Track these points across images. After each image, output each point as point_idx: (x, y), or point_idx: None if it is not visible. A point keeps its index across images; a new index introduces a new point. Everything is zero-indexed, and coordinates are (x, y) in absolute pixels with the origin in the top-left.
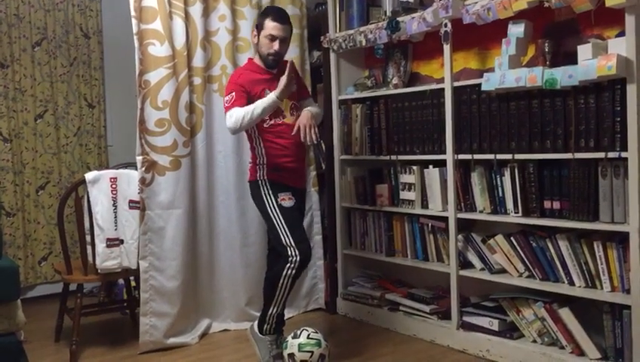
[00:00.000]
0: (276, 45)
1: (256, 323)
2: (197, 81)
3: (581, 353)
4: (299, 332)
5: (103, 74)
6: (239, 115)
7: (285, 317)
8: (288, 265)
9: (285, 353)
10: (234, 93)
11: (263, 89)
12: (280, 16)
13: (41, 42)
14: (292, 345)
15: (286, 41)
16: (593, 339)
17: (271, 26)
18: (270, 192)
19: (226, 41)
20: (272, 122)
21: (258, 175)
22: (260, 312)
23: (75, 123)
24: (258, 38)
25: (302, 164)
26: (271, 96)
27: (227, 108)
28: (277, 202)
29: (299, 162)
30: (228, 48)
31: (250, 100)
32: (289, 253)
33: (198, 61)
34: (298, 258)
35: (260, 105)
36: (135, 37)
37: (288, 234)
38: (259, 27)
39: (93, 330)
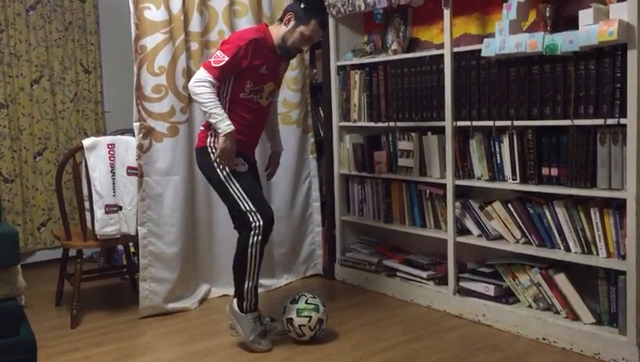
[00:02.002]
0: (307, 46)
1: (235, 302)
2: (194, 46)
3: (576, 318)
4: (297, 297)
5: (98, 38)
6: (205, 100)
7: (284, 283)
8: (252, 232)
9: (284, 318)
10: (226, 60)
11: (261, 65)
12: (326, 21)
13: (35, 6)
14: (290, 309)
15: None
16: (588, 304)
17: (316, 29)
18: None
19: (224, 5)
20: (249, 97)
21: (209, 141)
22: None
23: (71, 88)
24: (293, 27)
25: (257, 141)
26: (225, 128)
27: (208, 67)
28: (229, 169)
29: (255, 140)
30: (225, 13)
31: (242, 72)
32: (250, 218)
33: (194, 26)
34: (261, 222)
35: (216, 117)
36: (130, 1)
37: (247, 199)
38: (300, 19)
39: (93, 295)
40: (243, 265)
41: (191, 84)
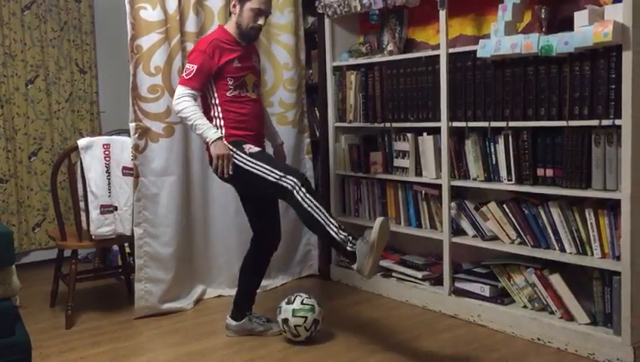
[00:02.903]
0: (261, 20)
1: (229, 318)
2: (190, 46)
3: (570, 318)
4: (292, 297)
5: (94, 39)
6: (187, 113)
7: (280, 284)
8: (294, 192)
9: (279, 318)
10: (196, 68)
11: (233, 59)
12: None
13: (30, 6)
14: (286, 310)
15: (268, 15)
16: (583, 305)
17: (260, 0)
18: (234, 150)
19: (219, 5)
20: (236, 93)
21: None
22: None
23: (66, 88)
24: (241, 9)
25: (261, 132)
26: (212, 135)
27: (183, 82)
28: (245, 153)
29: (260, 133)
30: (221, 13)
31: (218, 73)
32: (285, 184)
33: (190, 26)
34: (294, 180)
35: (201, 128)
36: (126, 1)
37: (271, 169)
38: None
39: (88, 296)
40: (316, 223)
41: (173, 103)
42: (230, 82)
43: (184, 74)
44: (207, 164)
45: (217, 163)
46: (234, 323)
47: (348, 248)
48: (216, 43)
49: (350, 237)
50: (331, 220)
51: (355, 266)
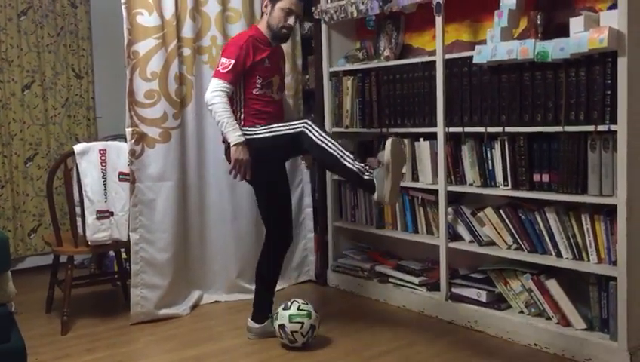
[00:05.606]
0: (291, 20)
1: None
2: (186, 52)
3: (567, 323)
4: (289, 303)
5: (90, 44)
6: (218, 109)
7: (276, 289)
8: (307, 130)
9: (276, 324)
10: (233, 62)
11: (264, 59)
12: None
13: (27, 11)
14: (282, 316)
15: (299, 17)
16: (579, 310)
17: (291, 0)
18: (249, 131)
19: (216, 11)
20: (262, 92)
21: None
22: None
23: (63, 94)
24: (272, 8)
25: None
26: (236, 138)
27: (219, 75)
28: (257, 127)
29: None
30: (218, 19)
31: (250, 70)
32: (297, 129)
33: (187, 31)
34: (304, 122)
35: (227, 128)
36: (123, 6)
37: (282, 125)
38: None
39: (84, 302)
40: (330, 157)
41: (207, 95)
42: (259, 81)
43: (219, 67)
44: (204, 169)
45: (235, 166)
46: (256, 325)
47: (365, 177)
48: (252, 40)
49: (367, 167)
50: (346, 153)
51: (375, 196)
